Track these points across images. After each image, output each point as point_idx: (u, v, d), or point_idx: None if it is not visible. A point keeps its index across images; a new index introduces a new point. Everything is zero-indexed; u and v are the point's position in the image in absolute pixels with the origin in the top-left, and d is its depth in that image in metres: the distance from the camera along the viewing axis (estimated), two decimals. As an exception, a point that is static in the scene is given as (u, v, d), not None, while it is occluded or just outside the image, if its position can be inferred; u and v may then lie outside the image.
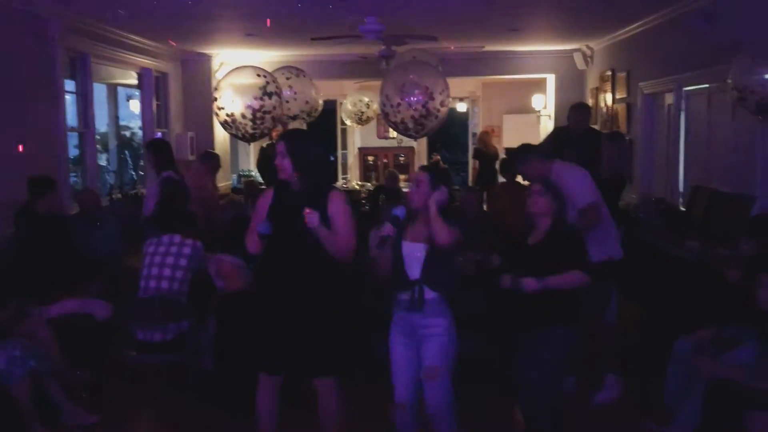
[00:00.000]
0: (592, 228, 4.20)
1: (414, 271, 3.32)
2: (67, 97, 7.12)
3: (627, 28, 8.33)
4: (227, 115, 5.94)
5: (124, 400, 4.58)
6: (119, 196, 8.34)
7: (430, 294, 3.29)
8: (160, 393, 4.58)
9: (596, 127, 9.11)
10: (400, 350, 3.39)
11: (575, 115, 6.30)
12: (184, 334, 4.23)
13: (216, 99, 5.93)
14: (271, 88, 5.91)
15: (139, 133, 10.40)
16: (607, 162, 5.33)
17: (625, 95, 8.61)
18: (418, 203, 3.32)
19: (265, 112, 5.83)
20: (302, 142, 3.39)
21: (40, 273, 4.77)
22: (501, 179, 7.92)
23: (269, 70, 6.64)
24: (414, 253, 3.33)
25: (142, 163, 10.24)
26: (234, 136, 6.31)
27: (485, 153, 11.01)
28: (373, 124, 13.72)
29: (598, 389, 4.51)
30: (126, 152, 9.90)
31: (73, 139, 7.49)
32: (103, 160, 9.29)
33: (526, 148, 4.61)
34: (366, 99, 11.72)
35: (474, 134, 14.68)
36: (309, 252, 3.27)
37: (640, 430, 4.02)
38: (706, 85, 6.61)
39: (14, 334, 4.12)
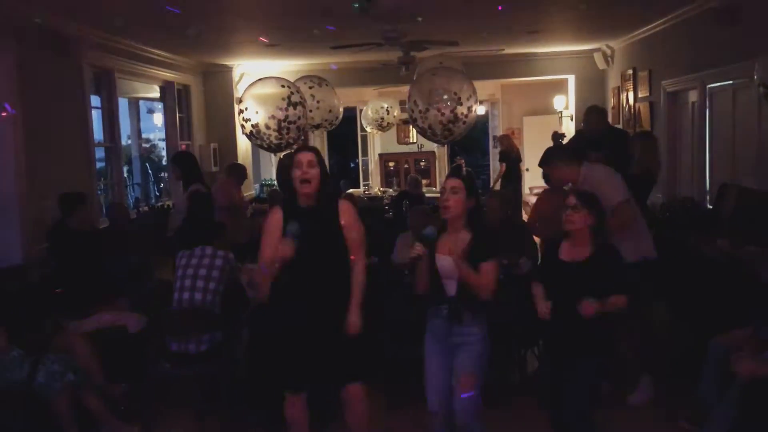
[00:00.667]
0: (626, 227, 4.17)
1: (450, 286, 3.30)
2: (93, 112, 7.23)
3: (648, 27, 8.29)
4: (252, 126, 5.99)
5: (161, 412, 4.63)
6: (146, 208, 8.44)
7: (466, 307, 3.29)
8: (195, 404, 4.63)
9: (619, 126, 9.07)
10: (435, 358, 3.38)
11: (591, 118, 6.28)
12: (217, 344, 4.27)
13: (242, 111, 5.99)
14: (295, 98, 5.96)
15: (160, 144, 10.52)
16: (639, 161, 5.31)
17: (647, 94, 8.56)
18: (455, 211, 3.31)
19: (290, 122, 5.87)
20: (321, 156, 3.45)
21: (75, 288, 4.84)
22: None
23: (290, 79, 6.70)
24: (448, 267, 3.29)
25: (163, 174, 10.38)
26: (259, 147, 6.37)
27: (511, 155, 11.01)
28: (393, 130, 13.75)
29: (632, 391, 4.49)
30: (147, 165, 10.02)
31: (97, 153, 7.60)
32: (124, 173, 9.40)
33: (553, 150, 4.59)
34: (386, 105, 11.75)
35: (494, 137, 14.66)
36: (331, 265, 3.32)
37: (671, 428, 3.99)
38: (731, 82, 6.55)
39: (52, 349, 4.18)
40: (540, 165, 4.55)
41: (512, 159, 11.00)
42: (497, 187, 10.99)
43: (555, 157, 4.45)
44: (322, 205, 3.38)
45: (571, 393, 3.30)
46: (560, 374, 3.35)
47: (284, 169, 8.13)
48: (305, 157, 3.35)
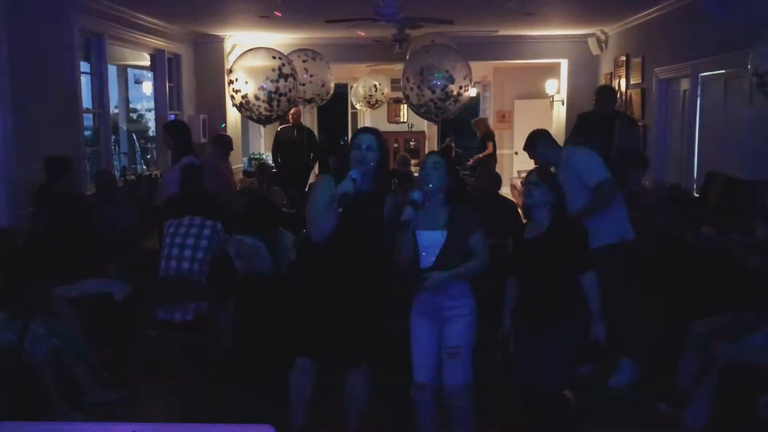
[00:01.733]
0: (606, 206, 4.24)
1: (428, 259, 3.31)
2: (82, 78, 7.15)
3: (642, 13, 8.29)
4: (242, 97, 5.95)
5: (144, 379, 4.63)
6: (133, 177, 8.38)
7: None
8: (179, 372, 4.63)
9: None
10: (422, 331, 3.40)
11: (599, 99, 6.28)
12: (203, 314, 4.27)
13: (231, 82, 5.93)
14: (286, 70, 5.92)
15: (146, 115, 10.42)
16: (617, 146, 5.36)
17: (639, 81, 8.58)
18: (435, 188, 3.32)
19: (280, 95, 5.83)
20: (385, 141, 3.42)
21: (60, 253, 4.81)
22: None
23: (283, 52, 6.65)
24: (430, 240, 3.31)
25: (150, 145, 10.29)
26: (249, 119, 6.33)
27: (492, 136, 11.13)
28: (384, 108, 13.70)
29: (613, 373, 4.54)
30: (134, 135, 9.93)
31: (85, 121, 7.52)
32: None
33: (537, 133, 4.63)
34: (377, 83, 11.71)
35: (485, 119, 14.65)
36: (367, 249, 3.31)
37: (653, 413, 4.05)
38: (723, 71, 6.58)
39: (37, 314, 4.16)
40: (524, 149, 4.62)
41: (494, 141, 11.09)
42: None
43: (538, 140, 4.54)
44: (373, 189, 3.34)
45: (548, 360, 3.33)
46: (536, 347, 3.38)
47: (279, 141, 8.11)
48: (366, 140, 3.30)
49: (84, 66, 7.35)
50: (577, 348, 3.45)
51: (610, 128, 5.88)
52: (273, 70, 5.99)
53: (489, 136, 11.20)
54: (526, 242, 3.47)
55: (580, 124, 6.60)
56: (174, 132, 5.88)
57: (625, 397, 4.38)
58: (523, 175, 12.51)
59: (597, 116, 6.19)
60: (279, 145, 8.96)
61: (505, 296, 3.58)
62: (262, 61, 5.99)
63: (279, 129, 9.29)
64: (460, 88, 6.03)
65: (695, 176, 7.16)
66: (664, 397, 4.13)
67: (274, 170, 9.81)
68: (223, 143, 7.14)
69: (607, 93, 6.46)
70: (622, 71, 9.19)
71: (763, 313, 3.76)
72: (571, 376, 3.50)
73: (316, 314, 3.36)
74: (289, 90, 5.90)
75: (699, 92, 7.09)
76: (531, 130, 4.71)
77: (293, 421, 3.53)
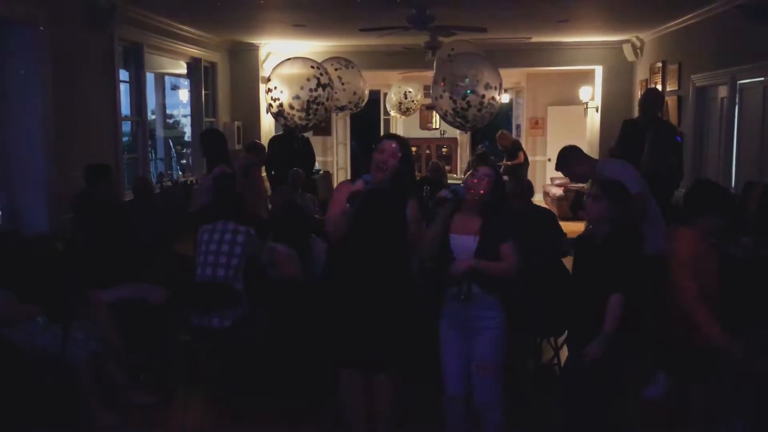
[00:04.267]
0: (640, 219, 4.19)
1: (462, 263, 3.31)
2: (121, 86, 7.30)
3: (679, 20, 8.18)
4: (279, 106, 6.02)
5: (180, 384, 4.70)
6: (169, 183, 8.51)
7: (477, 289, 3.28)
8: (214, 378, 4.70)
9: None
10: (450, 342, 3.38)
11: (642, 102, 6.21)
12: (239, 320, 4.32)
13: (269, 90, 6.01)
14: (324, 80, 5.97)
15: (182, 121, 10.58)
16: (646, 155, 5.29)
17: (676, 87, 8.47)
18: (476, 195, 3.30)
19: (318, 104, 5.89)
20: (409, 148, 3.45)
21: (99, 259, 4.92)
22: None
23: (317, 60, 6.70)
24: (463, 245, 3.31)
25: (185, 151, 10.44)
26: (285, 127, 6.39)
27: (520, 146, 11.01)
28: (416, 115, 13.72)
29: (648, 384, 4.49)
30: (170, 140, 10.09)
31: (123, 127, 7.67)
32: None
33: (568, 149, 4.60)
34: (410, 90, 11.72)
35: (518, 126, 14.58)
36: (387, 249, 3.33)
37: (688, 425, 3.99)
38: (762, 79, 6.47)
39: (76, 318, 4.25)
40: (557, 168, 4.57)
41: (523, 150, 10.98)
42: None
43: (570, 157, 4.50)
44: (392, 191, 3.37)
45: (593, 373, 3.27)
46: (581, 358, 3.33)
47: (273, 151, 7.70)
48: (388, 146, 3.35)
49: (123, 74, 7.51)
50: (620, 355, 3.39)
51: (646, 135, 5.81)
52: (309, 79, 6.05)
53: (517, 146, 11.09)
54: (584, 252, 3.47)
55: (624, 130, 6.54)
56: (208, 141, 5.96)
57: (657, 408, 4.32)
58: (557, 182, 12.45)
59: (640, 122, 6.12)
60: (272, 156, 7.72)
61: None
62: (300, 70, 6.05)
63: (272, 138, 8.78)
64: (485, 96, 5.95)
65: (733, 185, 7.03)
66: (700, 409, 4.06)
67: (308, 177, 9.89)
68: (258, 151, 7.21)
69: (648, 98, 6.38)
70: (658, 78, 9.07)
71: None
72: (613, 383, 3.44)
73: (343, 318, 3.38)
74: (327, 99, 5.95)
75: (737, 100, 6.97)
76: (565, 136, 4.68)
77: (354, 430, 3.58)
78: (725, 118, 7.23)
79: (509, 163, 10.68)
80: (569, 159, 4.47)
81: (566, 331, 3.98)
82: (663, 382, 4.46)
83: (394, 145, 3.34)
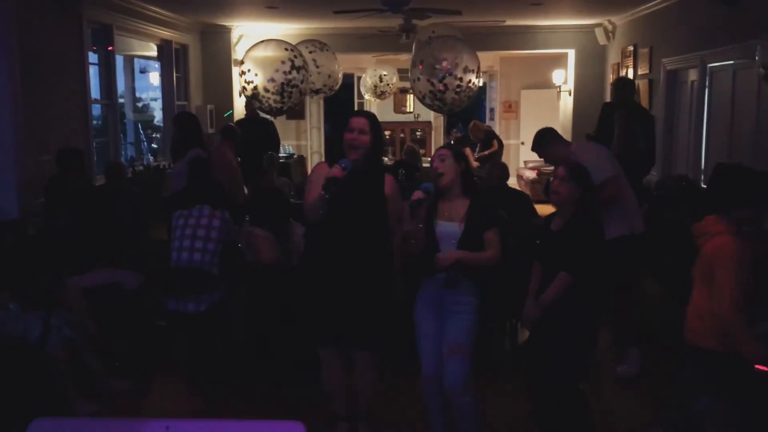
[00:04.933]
0: (612, 203, 4.25)
1: (447, 251, 3.33)
2: (90, 69, 7.17)
3: (650, 3, 8.26)
4: (254, 89, 5.96)
5: (156, 369, 4.68)
6: (141, 168, 8.41)
7: (462, 275, 3.30)
8: (190, 363, 4.68)
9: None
10: (426, 323, 3.40)
11: (615, 91, 6.29)
12: (216, 305, 4.30)
13: (243, 73, 5.94)
14: (298, 62, 5.92)
15: (152, 105, 10.44)
16: (616, 139, 5.37)
17: (647, 71, 8.56)
18: (448, 177, 3.32)
19: (292, 86, 5.84)
20: (378, 123, 3.45)
21: (74, 244, 4.85)
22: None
23: (290, 43, 6.64)
24: (448, 232, 3.33)
25: (156, 135, 10.32)
26: (259, 110, 6.34)
27: (493, 135, 10.95)
28: (390, 99, 13.68)
29: (621, 362, 4.58)
30: (140, 125, 9.96)
31: (93, 111, 7.55)
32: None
33: (544, 131, 4.64)
34: (385, 73, 11.68)
35: (492, 110, 14.63)
36: (368, 228, 3.34)
37: (662, 401, 4.08)
38: (731, 62, 6.56)
39: (50, 304, 4.20)
40: (533, 149, 4.61)
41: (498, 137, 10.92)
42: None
43: (546, 139, 4.55)
44: (369, 170, 3.39)
45: (557, 347, 3.33)
46: (545, 335, 3.39)
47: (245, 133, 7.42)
48: (358, 123, 3.35)
49: (92, 57, 7.37)
50: (585, 329, 3.46)
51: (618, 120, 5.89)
52: (283, 62, 5.99)
53: (491, 134, 11.04)
54: (548, 233, 3.48)
55: (603, 114, 6.62)
56: (181, 124, 5.89)
57: (632, 387, 4.41)
58: (531, 165, 12.55)
59: (615, 107, 6.21)
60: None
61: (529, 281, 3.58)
62: (274, 53, 5.99)
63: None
64: (463, 80, 5.97)
65: (703, 167, 7.15)
66: (671, 386, 4.16)
67: (282, 160, 9.83)
68: (232, 134, 7.13)
69: (618, 84, 6.46)
70: (630, 62, 9.17)
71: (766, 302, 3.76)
72: (581, 368, 3.49)
73: (324, 297, 3.40)
74: (301, 82, 5.90)
75: (707, 83, 7.07)
76: (538, 120, 4.72)
77: (335, 411, 3.62)
78: (695, 101, 7.34)
79: (486, 152, 10.65)
80: (545, 141, 4.52)
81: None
82: (636, 360, 4.56)
83: (362, 121, 3.36)
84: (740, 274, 3.05)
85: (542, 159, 4.63)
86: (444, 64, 5.85)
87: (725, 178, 3.50)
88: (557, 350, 3.33)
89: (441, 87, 6.04)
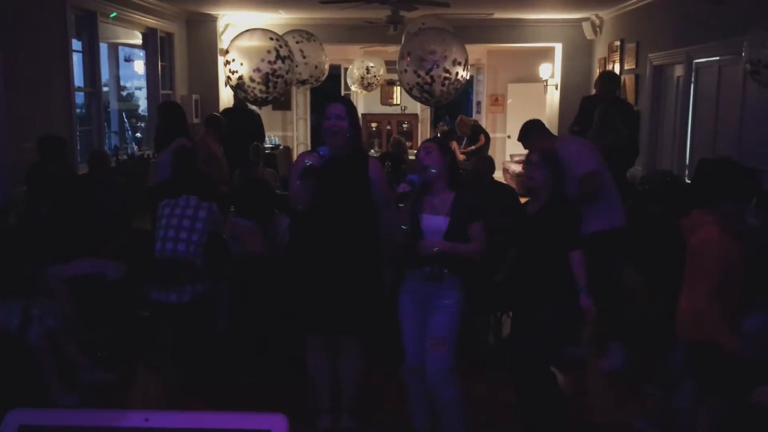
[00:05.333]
0: (593, 197, 4.27)
1: (433, 245, 3.33)
2: (73, 56, 7.08)
3: (638, -2, 8.28)
4: (238, 78, 5.91)
5: (139, 360, 4.65)
6: (125, 157, 8.33)
7: (446, 269, 3.31)
8: (174, 353, 4.65)
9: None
10: (411, 316, 3.41)
11: (600, 84, 6.31)
12: (199, 296, 4.28)
13: (228, 63, 5.89)
14: (283, 52, 5.88)
15: (137, 94, 10.34)
16: (593, 132, 5.38)
17: (633, 66, 8.59)
18: (434, 170, 3.33)
19: (277, 76, 5.79)
20: (354, 108, 3.46)
21: (56, 233, 4.80)
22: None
23: (276, 32, 6.58)
24: (434, 226, 3.32)
25: (140, 124, 10.23)
26: (244, 100, 6.29)
27: (480, 129, 10.97)
28: (377, 90, 13.65)
29: (603, 356, 4.60)
30: (124, 114, 9.87)
31: (77, 99, 7.46)
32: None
33: (531, 123, 4.65)
34: (372, 64, 11.63)
35: (478, 103, 14.63)
36: (354, 213, 3.35)
37: (643, 396, 4.11)
38: (717, 58, 6.60)
39: (31, 294, 4.15)
40: (519, 140, 4.63)
41: (485, 132, 10.94)
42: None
43: (532, 130, 4.57)
44: (352, 155, 3.40)
45: (526, 339, 3.37)
46: (524, 322, 3.44)
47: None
48: (335, 109, 3.36)
49: (75, 44, 7.28)
50: (563, 325, 3.49)
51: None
52: (269, 51, 5.94)
53: (477, 129, 11.05)
54: (525, 219, 3.54)
55: (582, 108, 6.63)
56: (165, 114, 5.83)
57: (615, 380, 4.43)
58: (516, 159, 12.57)
59: (596, 101, 6.22)
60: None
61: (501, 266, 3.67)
62: (259, 42, 5.93)
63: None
64: (450, 72, 5.94)
65: (687, 162, 7.20)
66: (654, 380, 4.19)
67: (267, 151, 9.78)
68: (216, 124, 7.08)
69: (604, 78, 6.48)
70: (616, 56, 9.19)
71: (755, 299, 3.80)
72: (556, 350, 3.53)
73: (312, 284, 3.39)
74: (286, 72, 5.86)
75: (693, 79, 7.11)
76: (524, 113, 4.74)
77: (319, 404, 3.61)
78: (681, 96, 7.37)
79: (473, 147, 10.63)
80: (531, 133, 4.54)
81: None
82: (619, 355, 4.58)
83: (338, 107, 3.36)
84: (722, 267, 3.08)
85: (527, 150, 4.63)
86: (432, 56, 5.82)
87: (711, 172, 3.50)
88: (533, 338, 3.37)
89: (428, 79, 6.02)
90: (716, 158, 5.81)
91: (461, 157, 9.81)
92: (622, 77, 8.94)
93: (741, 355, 3.05)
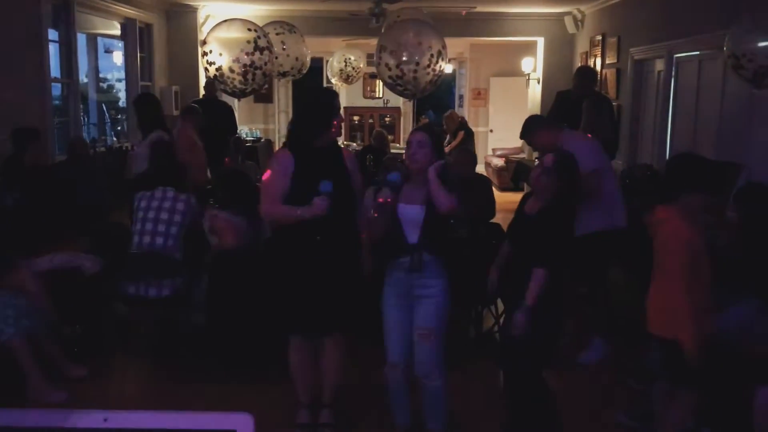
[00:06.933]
0: (593, 195, 4.23)
1: (412, 235, 3.28)
2: (50, 46, 6.96)
3: (619, -7, 8.30)
4: (217, 69, 5.83)
5: (116, 355, 4.58)
6: (103, 149, 8.22)
7: (427, 256, 3.30)
8: (151, 348, 4.59)
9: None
10: (394, 311, 3.37)
11: (577, 79, 6.28)
12: (177, 290, 4.22)
13: (206, 53, 5.80)
14: (262, 43, 5.80)
15: (117, 85, 10.21)
16: (583, 126, 5.37)
17: (615, 60, 8.61)
18: (421, 165, 3.28)
19: (256, 68, 5.72)
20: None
21: (30, 226, 4.71)
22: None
23: (255, 23, 6.50)
24: (411, 215, 3.28)
25: (120, 116, 10.10)
26: (223, 92, 6.21)
27: (465, 126, 10.92)
28: (359, 83, 13.59)
29: (583, 350, 4.60)
30: (104, 105, 9.73)
31: (54, 91, 7.34)
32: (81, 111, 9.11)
33: (533, 118, 4.62)
34: (353, 57, 11.57)
35: (461, 96, 14.63)
36: (340, 206, 3.29)
37: (622, 389, 4.12)
38: (698, 52, 6.63)
39: (3, 287, 4.07)
40: (521, 137, 4.54)
41: (466, 128, 10.88)
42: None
43: (535, 125, 4.48)
44: (331, 146, 3.39)
45: (524, 346, 3.33)
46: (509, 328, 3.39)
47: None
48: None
49: (52, 34, 7.15)
50: (552, 329, 3.47)
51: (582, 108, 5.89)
52: (248, 42, 5.86)
53: (461, 125, 10.94)
54: (522, 214, 3.47)
55: (557, 102, 6.60)
56: (142, 106, 5.74)
57: (594, 374, 4.44)
58: (498, 153, 12.58)
59: (574, 95, 6.18)
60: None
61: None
62: (237, 33, 5.85)
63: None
64: (429, 65, 5.84)
65: (668, 156, 7.22)
66: (634, 374, 4.20)
67: (248, 144, 9.70)
68: (194, 115, 6.96)
69: (583, 73, 6.46)
70: (598, 51, 9.21)
71: (732, 293, 3.82)
72: (544, 358, 3.49)
73: (293, 281, 3.36)
74: (265, 63, 5.78)
75: (673, 73, 7.14)
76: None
77: (301, 398, 3.58)
78: (662, 90, 7.40)
79: (454, 143, 10.55)
80: (533, 128, 4.44)
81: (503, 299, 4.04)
82: (599, 349, 4.59)
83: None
84: (688, 261, 3.06)
85: (531, 147, 4.59)
86: (409, 48, 5.76)
87: (675, 166, 3.48)
88: (522, 344, 3.33)
89: (406, 71, 5.96)
90: (680, 152, 5.84)
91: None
92: (604, 72, 8.97)
93: (702, 356, 3.04)
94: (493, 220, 5.33)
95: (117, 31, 9.08)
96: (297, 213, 3.21)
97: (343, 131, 3.45)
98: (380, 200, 3.19)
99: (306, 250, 3.33)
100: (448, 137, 10.40)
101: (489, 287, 3.62)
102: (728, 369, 3.38)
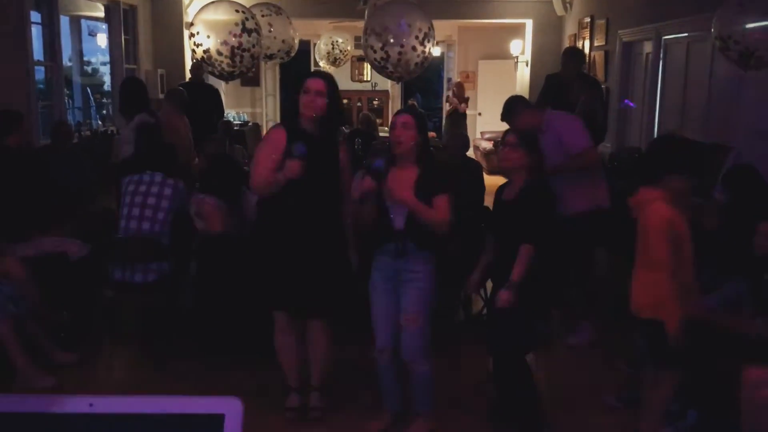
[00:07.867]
0: (592, 170, 4.23)
1: (399, 220, 3.27)
2: (33, 29, 6.86)
3: (608, -26, 8.26)
4: (204, 52, 5.76)
5: (103, 340, 4.56)
6: (88, 133, 8.13)
7: (413, 245, 3.27)
8: (139, 332, 4.57)
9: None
10: (382, 296, 3.37)
11: (565, 61, 6.25)
12: (164, 275, 4.19)
13: (193, 35, 5.73)
14: (250, 25, 5.73)
15: (101, 69, 10.09)
16: (578, 109, 5.35)
17: (603, 43, 8.59)
18: (406, 146, 3.26)
19: (243, 50, 5.65)
20: (337, 88, 3.37)
21: (14, 210, 4.65)
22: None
23: (242, 5, 6.42)
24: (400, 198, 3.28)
25: (105, 100, 9.98)
26: (211, 74, 6.15)
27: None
28: (347, 67, 13.50)
29: (571, 332, 4.62)
30: (88, 89, 9.61)
31: (37, 74, 7.24)
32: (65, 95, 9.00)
33: (514, 99, 4.56)
34: (340, 40, 11.48)
35: (449, 79, 14.57)
36: (325, 194, 3.30)
37: (611, 372, 4.14)
38: (686, 34, 6.62)
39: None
40: (503, 119, 4.47)
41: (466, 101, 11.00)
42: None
43: (517, 106, 4.41)
44: (325, 135, 3.33)
45: (507, 326, 3.34)
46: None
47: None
48: (315, 85, 3.26)
49: (35, 16, 7.04)
50: (539, 312, 3.48)
51: (574, 90, 5.88)
52: (236, 24, 5.78)
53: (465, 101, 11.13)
54: (501, 203, 3.47)
55: (547, 85, 6.58)
56: (126, 89, 5.67)
57: (583, 356, 4.46)
58: (487, 136, 12.56)
59: (563, 78, 6.16)
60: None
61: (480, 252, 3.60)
62: (225, 15, 5.77)
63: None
64: (416, 47, 5.78)
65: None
66: (623, 356, 4.22)
67: (236, 128, 9.62)
68: (178, 98, 6.87)
69: (571, 54, 6.44)
70: (586, 33, 9.18)
71: (719, 275, 3.84)
72: (528, 339, 3.50)
73: (279, 264, 3.35)
74: (253, 45, 5.71)
75: (662, 55, 7.13)
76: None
77: (290, 382, 3.58)
78: (650, 73, 7.40)
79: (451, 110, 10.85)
80: (515, 109, 4.35)
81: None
82: (586, 332, 4.61)
83: (320, 85, 3.26)
84: (670, 243, 3.06)
85: (512, 128, 4.56)
86: (395, 29, 5.70)
87: (656, 148, 3.47)
88: (505, 322, 3.34)
89: (392, 53, 5.90)
90: (662, 134, 5.84)
91: (432, 133, 9.83)
92: (592, 54, 8.95)
93: (686, 337, 3.06)
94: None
95: (101, 13, 8.95)
96: (276, 177, 3.19)
97: (330, 110, 3.35)
98: (363, 190, 3.17)
99: (284, 217, 3.32)
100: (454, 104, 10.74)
101: (471, 288, 3.64)
102: (715, 350, 3.40)
